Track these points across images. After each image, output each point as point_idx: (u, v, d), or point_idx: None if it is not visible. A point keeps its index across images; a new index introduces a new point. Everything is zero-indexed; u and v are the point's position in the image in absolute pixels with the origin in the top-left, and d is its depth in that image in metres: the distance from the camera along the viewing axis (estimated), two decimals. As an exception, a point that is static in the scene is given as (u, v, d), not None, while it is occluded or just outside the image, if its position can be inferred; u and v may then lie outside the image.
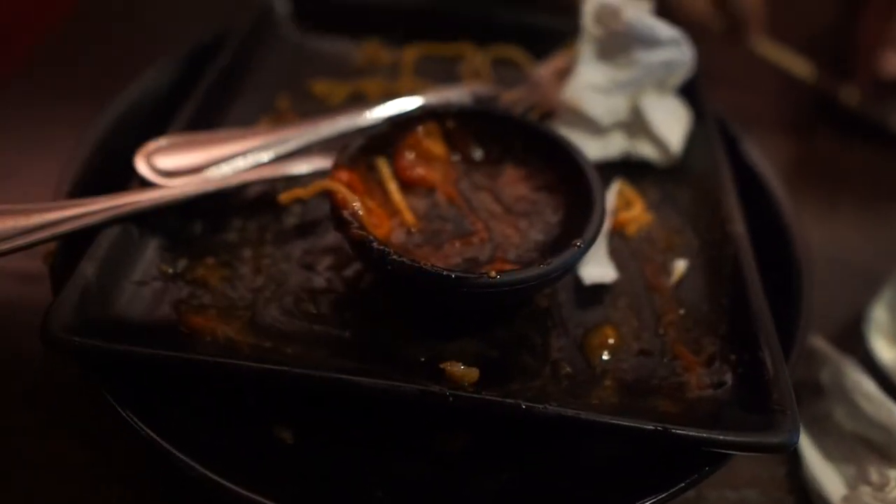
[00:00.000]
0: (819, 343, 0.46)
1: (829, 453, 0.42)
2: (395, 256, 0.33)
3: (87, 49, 0.67)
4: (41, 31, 0.70)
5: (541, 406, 0.31)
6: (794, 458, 0.42)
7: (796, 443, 0.32)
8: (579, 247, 0.35)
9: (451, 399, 0.31)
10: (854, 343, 0.49)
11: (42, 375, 0.42)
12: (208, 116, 0.45)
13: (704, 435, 0.31)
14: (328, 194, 0.36)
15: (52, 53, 0.66)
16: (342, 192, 0.35)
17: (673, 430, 0.31)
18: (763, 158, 0.51)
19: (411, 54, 0.55)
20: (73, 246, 0.37)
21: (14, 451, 0.39)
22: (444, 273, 0.33)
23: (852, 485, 0.40)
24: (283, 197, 0.39)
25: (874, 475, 0.39)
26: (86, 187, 0.41)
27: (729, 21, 0.65)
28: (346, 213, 0.35)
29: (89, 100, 0.50)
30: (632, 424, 0.31)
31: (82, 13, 0.71)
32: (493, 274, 0.33)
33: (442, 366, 0.33)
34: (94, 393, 0.41)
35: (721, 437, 0.31)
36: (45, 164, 0.49)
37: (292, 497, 0.31)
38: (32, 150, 0.56)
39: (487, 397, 0.32)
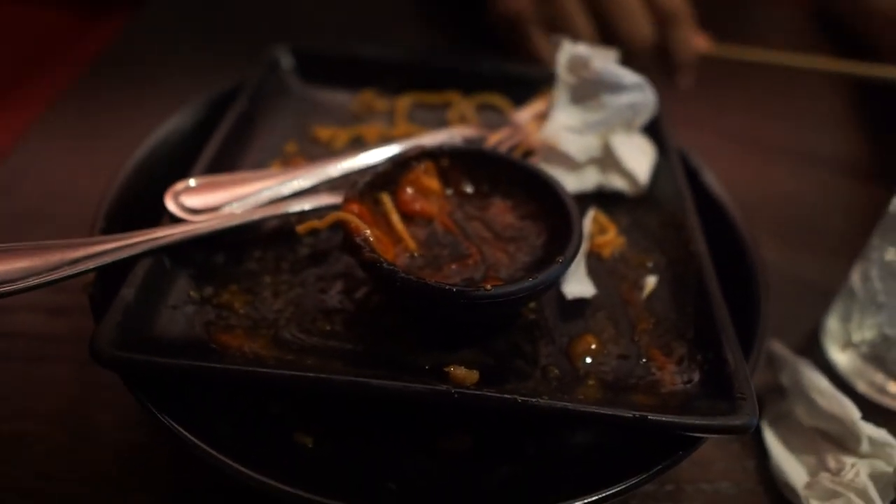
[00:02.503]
0: (779, 348, 0.51)
1: (792, 446, 0.46)
2: (403, 275, 0.38)
3: (111, 97, 0.72)
4: (65, 77, 0.75)
5: (534, 399, 0.36)
6: (762, 453, 0.46)
7: (756, 424, 0.36)
8: (560, 262, 0.40)
9: (456, 396, 0.36)
10: (812, 350, 0.54)
11: (72, 398, 0.46)
12: (226, 160, 0.50)
13: (677, 420, 0.36)
14: (341, 223, 0.40)
15: (77, 100, 0.71)
16: (354, 221, 0.40)
17: (649, 417, 0.35)
18: (721, 187, 0.56)
19: (404, 102, 0.60)
20: (108, 278, 0.41)
21: (45, 468, 0.42)
22: (446, 287, 0.38)
23: (813, 472, 0.44)
24: (301, 228, 0.44)
25: (832, 462, 0.43)
26: (118, 223, 0.45)
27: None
28: (358, 239, 0.40)
29: (117, 141, 0.54)
30: (614, 413, 0.36)
31: (107, 61, 0.77)
32: (488, 287, 0.38)
33: (446, 369, 0.37)
34: (125, 411, 0.45)
35: (691, 422, 0.36)
36: (77, 204, 0.53)
37: (315, 487, 0.34)
38: (67, 189, 0.60)
39: (488, 393, 0.36)
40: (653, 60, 0.74)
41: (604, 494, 0.35)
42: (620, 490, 0.36)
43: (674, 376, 0.40)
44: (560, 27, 0.71)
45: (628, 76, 0.52)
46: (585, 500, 0.35)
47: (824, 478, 0.43)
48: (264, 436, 0.39)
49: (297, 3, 0.90)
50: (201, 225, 0.43)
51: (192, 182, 0.45)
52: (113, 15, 1.07)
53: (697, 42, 0.74)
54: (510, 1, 0.74)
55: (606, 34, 0.72)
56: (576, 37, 0.68)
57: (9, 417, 0.44)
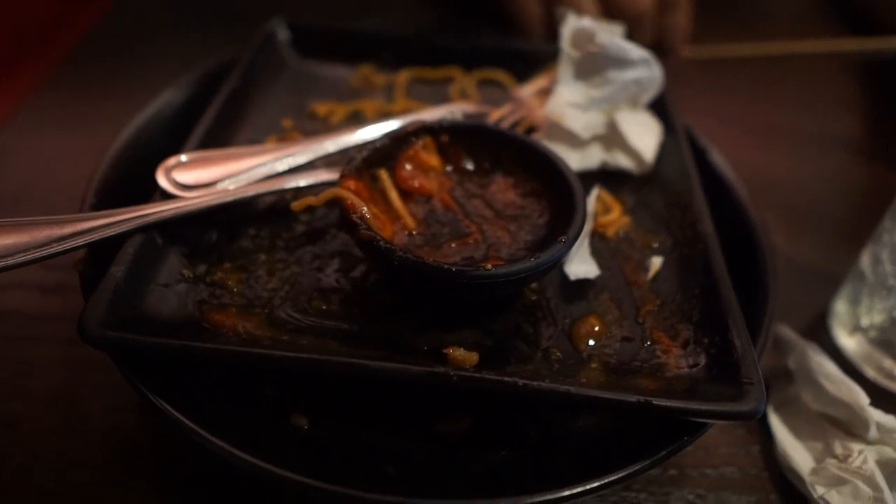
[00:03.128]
0: (786, 332, 0.50)
1: (798, 432, 0.45)
2: (400, 253, 0.37)
3: (99, 77, 0.70)
4: (52, 59, 0.73)
5: (535, 383, 0.35)
6: (767, 438, 0.46)
7: (763, 410, 0.35)
8: (563, 242, 0.39)
9: (454, 378, 0.35)
10: (820, 335, 0.53)
11: (63, 379, 0.45)
12: (220, 135, 0.49)
13: (682, 405, 0.35)
14: (338, 201, 0.39)
15: (65, 81, 0.70)
16: (351, 198, 0.39)
17: (654, 402, 0.35)
18: (729, 168, 0.55)
19: (404, 77, 0.59)
20: (99, 255, 0.40)
21: (35, 452, 0.41)
22: (445, 266, 0.36)
23: (819, 459, 0.43)
24: (295, 205, 0.43)
25: (839, 448, 0.42)
26: (108, 200, 0.44)
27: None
28: (354, 217, 0.38)
29: (106, 120, 0.53)
30: (617, 397, 0.35)
31: (95, 41, 0.75)
32: (488, 267, 0.37)
33: (445, 350, 0.36)
34: (116, 394, 0.44)
35: (697, 407, 0.35)
36: (69, 179, 0.52)
37: (312, 471, 0.33)
38: (56, 167, 0.59)
39: (487, 376, 0.35)
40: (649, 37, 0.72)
41: (607, 480, 0.34)
42: (624, 476, 0.35)
43: (679, 360, 0.39)
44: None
45: (634, 51, 0.51)
46: (588, 486, 0.34)
47: (831, 464, 0.42)
48: (258, 417, 0.38)
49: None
50: (194, 201, 0.42)
51: (183, 157, 0.43)
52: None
53: (682, 47, 0.73)
54: None
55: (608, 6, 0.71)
56: (579, 8, 0.67)
57: (0, 397, 0.43)
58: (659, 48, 0.74)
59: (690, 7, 0.74)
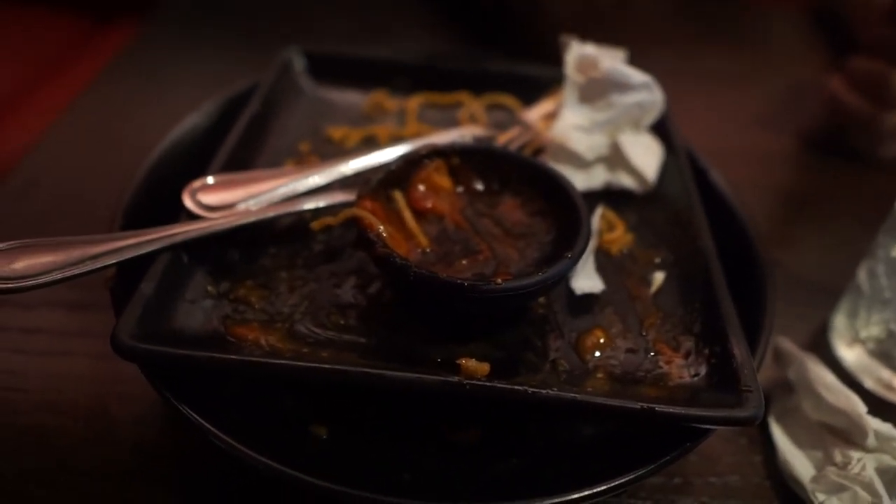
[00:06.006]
0: (787, 344, 0.51)
1: (799, 441, 0.46)
2: (416, 269, 0.39)
3: (126, 99, 0.74)
4: (81, 80, 0.76)
5: (544, 391, 0.36)
6: (769, 447, 0.47)
7: (762, 416, 0.36)
8: (569, 258, 0.41)
9: (467, 387, 0.36)
10: (820, 347, 0.55)
11: (91, 393, 0.47)
12: (241, 159, 0.51)
13: (684, 412, 0.36)
14: (355, 220, 0.41)
15: (93, 102, 0.73)
16: (368, 217, 0.41)
17: (657, 409, 0.36)
18: (729, 186, 0.56)
19: (415, 102, 0.61)
20: (128, 273, 0.42)
21: (66, 462, 0.43)
22: (458, 281, 0.38)
23: (820, 466, 0.44)
24: (315, 224, 0.45)
25: (838, 456, 0.43)
26: (135, 221, 0.46)
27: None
28: (372, 235, 0.40)
29: (131, 143, 0.56)
30: (622, 405, 0.36)
31: (121, 65, 0.78)
32: (499, 281, 0.39)
33: (458, 361, 0.38)
34: (143, 406, 0.46)
35: (698, 413, 0.36)
36: (94, 203, 0.54)
37: (332, 477, 0.35)
38: (83, 189, 0.62)
39: (498, 385, 0.37)
40: None
41: (613, 484, 0.36)
42: (629, 480, 0.36)
43: (681, 370, 0.41)
44: None
45: (636, 75, 0.53)
46: (595, 490, 0.35)
47: (831, 471, 0.43)
48: (279, 428, 0.40)
49: (305, 9, 0.91)
50: (218, 222, 0.44)
51: (209, 180, 0.46)
52: (125, 20, 1.09)
53: None
54: None
55: None
56: None
57: (30, 410, 0.45)
58: None
59: None
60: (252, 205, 0.46)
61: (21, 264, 0.39)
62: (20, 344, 0.49)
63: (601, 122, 0.53)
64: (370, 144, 0.57)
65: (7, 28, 1.03)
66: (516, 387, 0.36)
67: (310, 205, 0.47)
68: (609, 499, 0.39)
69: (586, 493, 0.35)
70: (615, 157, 0.54)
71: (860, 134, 0.73)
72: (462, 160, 0.48)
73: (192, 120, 0.56)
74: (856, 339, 0.53)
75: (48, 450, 0.43)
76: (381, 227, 0.41)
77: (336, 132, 0.58)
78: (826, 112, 0.77)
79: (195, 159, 0.50)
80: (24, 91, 0.89)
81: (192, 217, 0.45)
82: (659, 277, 0.47)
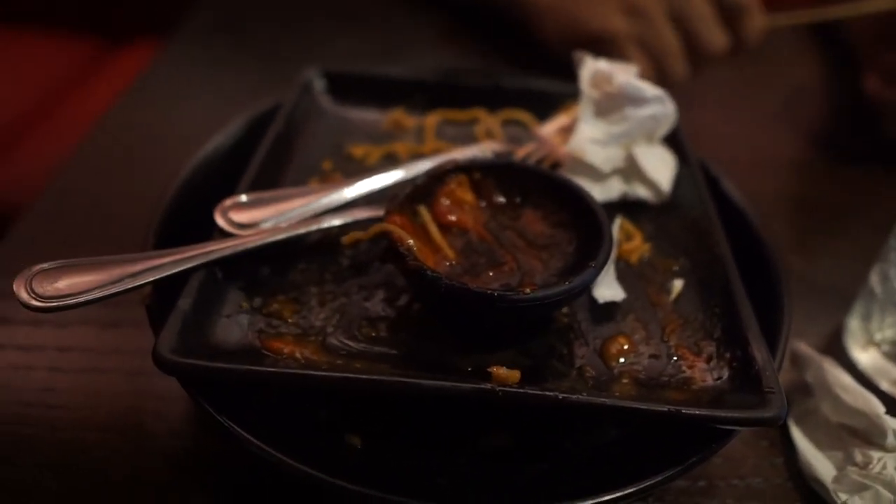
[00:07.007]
0: (804, 348, 0.52)
1: (819, 442, 0.47)
2: (446, 281, 0.40)
3: (148, 120, 0.75)
4: (102, 104, 0.78)
5: (574, 396, 0.38)
6: (790, 449, 0.48)
7: (785, 416, 0.38)
8: (593, 267, 0.42)
9: (500, 394, 0.38)
10: (835, 351, 0.56)
11: (128, 408, 0.48)
12: (267, 178, 0.52)
13: (709, 413, 0.38)
14: (386, 234, 0.43)
15: (117, 124, 0.74)
16: (397, 231, 0.42)
17: (683, 411, 0.37)
18: (742, 194, 0.58)
19: (433, 119, 0.62)
20: (163, 290, 0.43)
21: (105, 474, 0.44)
22: (488, 292, 0.40)
23: (840, 467, 0.45)
24: (346, 239, 0.46)
25: (858, 456, 0.44)
26: (167, 240, 0.47)
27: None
28: (402, 249, 0.42)
29: (158, 163, 0.57)
30: (649, 408, 0.38)
31: (141, 88, 0.80)
32: (527, 291, 0.40)
33: (489, 369, 0.39)
34: (178, 420, 0.48)
35: (723, 414, 0.38)
36: (123, 223, 0.56)
37: (369, 483, 0.36)
38: (113, 210, 0.63)
39: (530, 391, 0.38)
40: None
41: (641, 486, 0.37)
42: (658, 482, 0.37)
43: (704, 374, 0.42)
44: (651, 44, 0.75)
45: (649, 90, 0.55)
46: (625, 491, 0.37)
47: (852, 471, 0.44)
48: (314, 438, 0.41)
49: (319, 29, 0.93)
50: (249, 239, 0.45)
51: (242, 198, 0.47)
52: (142, 42, 1.12)
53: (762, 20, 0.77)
54: (605, 21, 0.76)
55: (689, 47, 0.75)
56: (664, 52, 0.72)
57: (69, 426, 0.47)
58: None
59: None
60: (281, 222, 0.48)
61: (63, 283, 0.40)
62: (57, 362, 0.51)
63: (616, 135, 0.55)
64: (391, 161, 0.58)
65: (26, 49, 1.06)
66: (548, 392, 0.38)
67: (337, 221, 0.48)
68: (634, 502, 0.41)
69: (618, 494, 0.36)
70: (630, 169, 0.55)
71: None
72: (484, 175, 0.49)
73: (216, 142, 0.57)
74: (870, 342, 0.54)
75: (87, 463, 0.45)
76: (411, 241, 0.42)
77: (357, 150, 0.59)
78: (866, 111, 0.78)
79: (221, 179, 0.51)
80: (43, 112, 0.91)
81: (225, 235, 0.46)
82: (678, 285, 0.48)
